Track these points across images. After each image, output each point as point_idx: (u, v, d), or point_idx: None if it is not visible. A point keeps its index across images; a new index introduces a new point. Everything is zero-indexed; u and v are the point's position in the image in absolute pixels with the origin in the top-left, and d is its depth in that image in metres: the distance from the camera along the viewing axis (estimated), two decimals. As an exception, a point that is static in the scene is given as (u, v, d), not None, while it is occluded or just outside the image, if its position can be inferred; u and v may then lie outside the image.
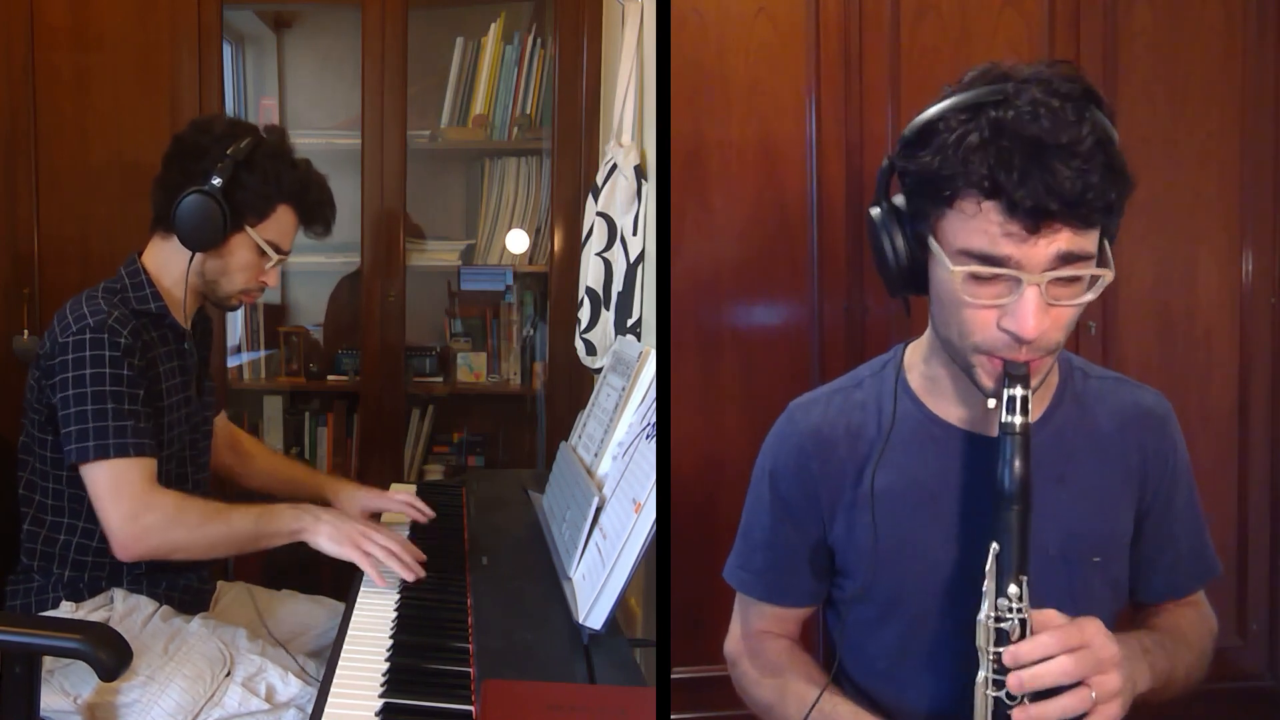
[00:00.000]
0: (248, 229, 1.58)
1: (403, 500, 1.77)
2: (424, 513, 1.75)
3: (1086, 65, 2.17)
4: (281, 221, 1.62)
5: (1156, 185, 2.21)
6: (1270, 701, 2.29)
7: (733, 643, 1.31)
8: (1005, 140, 0.91)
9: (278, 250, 1.62)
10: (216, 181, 1.52)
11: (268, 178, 1.57)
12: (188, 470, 1.66)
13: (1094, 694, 0.92)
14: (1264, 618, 2.29)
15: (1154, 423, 1.16)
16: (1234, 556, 2.27)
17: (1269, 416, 2.28)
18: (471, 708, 1.10)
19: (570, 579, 1.39)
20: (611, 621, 1.24)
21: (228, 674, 1.45)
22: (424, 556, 1.49)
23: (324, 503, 1.73)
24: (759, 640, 1.27)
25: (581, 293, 2.08)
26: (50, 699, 1.39)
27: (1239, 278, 2.26)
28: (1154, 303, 2.24)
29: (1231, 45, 2.22)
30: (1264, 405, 2.28)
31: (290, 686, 1.46)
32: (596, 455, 1.65)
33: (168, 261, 1.60)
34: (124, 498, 1.43)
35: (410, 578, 1.44)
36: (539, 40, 2.59)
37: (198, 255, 1.57)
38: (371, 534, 1.47)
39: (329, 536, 1.47)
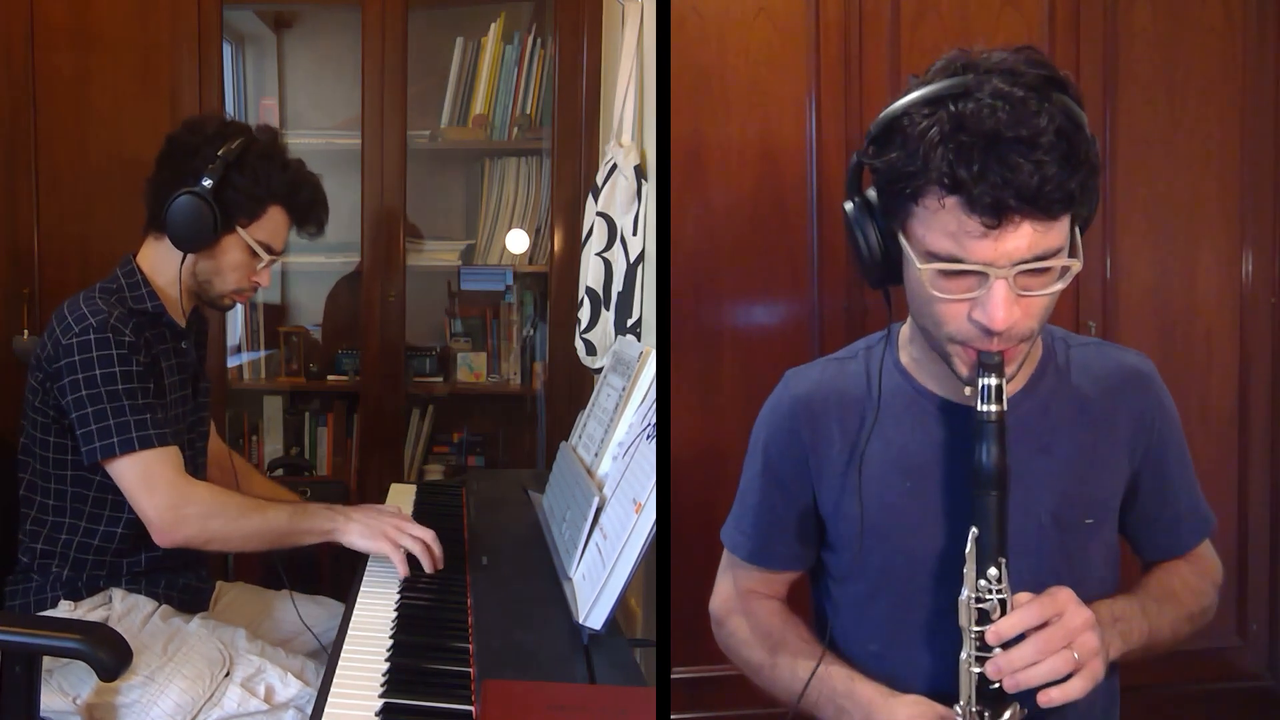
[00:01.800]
0: (239, 230, 1.58)
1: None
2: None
3: (1086, 65, 2.17)
4: (273, 222, 1.61)
5: (1156, 185, 2.21)
6: (1270, 701, 2.29)
7: (720, 600, 1.32)
8: (964, 135, 0.91)
9: (269, 251, 1.62)
10: (207, 182, 1.52)
11: (258, 178, 1.57)
12: (188, 470, 1.65)
13: (1076, 654, 0.95)
14: (1264, 618, 2.30)
15: (1140, 383, 1.17)
16: (1234, 556, 2.27)
17: (1269, 416, 2.29)
18: (471, 708, 1.10)
19: (570, 579, 1.39)
20: (611, 621, 1.24)
21: (227, 674, 1.45)
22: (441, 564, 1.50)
23: None
24: (748, 600, 1.28)
25: (581, 293, 2.07)
26: (49, 699, 1.39)
27: (1239, 278, 2.26)
28: (1154, 303, 2.24)
29: (1231, 45, 2.22)
30: (1264, 405, 2.28)
31: (289, 687, 1.46)
32: (596, 455, 1.65)
33: (162, 262, 1.60)
34: (159, 488, 1.44)
35: (431, 569, 1.47)
36: (539, 40, 2.59)
37: (190, 256, 1.57)
38: (404, 525, 1.49)
39: (360, 533, 1.48)
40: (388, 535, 1.47)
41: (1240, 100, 2.23)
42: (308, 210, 1.66)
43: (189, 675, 1.43)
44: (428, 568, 1.47)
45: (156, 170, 1.59)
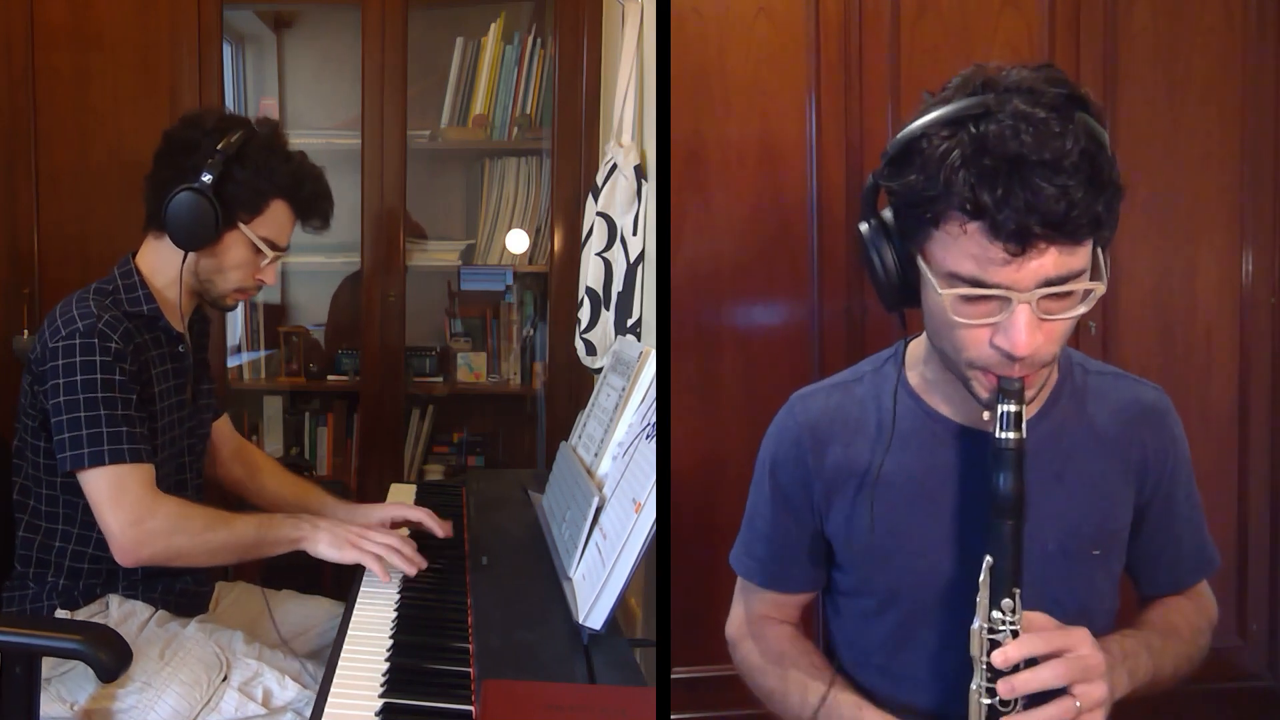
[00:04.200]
0: (241, 226, 1.54)
1: (420, 513, 1.68)
2: (441, 527, 1.66)
3: (1086, 65, 2.17)
4: (276, 217, 1.57)
5: (1156, 185, 2.21)
6: (1270, 701, 2.29)
7: (735, 625, 1.32)
8: (987, 159, 0.89)
9: (273, 247, 1.58)
10: (207, 178, 1.48)
11: (260, 172, 1.53)
12: (187, 476, 1.64)
13: (1078, 703, 0.94)
14: (1264, 618, 2.30)
15: (1154, 418, 1.16)
16: (1234, 556, 2.27)
17: (1269, 416, 2.29)
18: (471, 708, 1.10)
19: (570, 579, 1.39)
20: (611, 621, 1.24)
21: (224, 679, 1.43)
22: (423, 562, 1.48)
23: None
24: (761, 625, 1.28)
25: (581, 293, 2.08)
26: (47, 706, 1.37)
27: (1239, 278, 2.26)
28: (1154, 303, 2.24)
29: (1231, 45, 2.22)
30: (1264, 405, 2.28)
31: (287, 690, 1.44)
32: (596, 455, 1.65)
33: (161, 261, 1.56)
34: (125, 504, 1.40)
35: (412, 571, 1.45)
36: (539, 40, 2.59)
37: (191, 254, 1.53)
38: (369, 533, 1.48)
39: (328, 543, 1.46)
40: (354, 544, 1.45)
41: (1240, 100, 2.23)
42: (311, 203, 1.61)
43: (186, 680, 1.41)
44: (408, 570, 1.45)
45: (155, 168, 1.55)
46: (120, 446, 1.41)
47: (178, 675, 1.42)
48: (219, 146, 1.50)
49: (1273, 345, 2.27)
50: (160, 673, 1.43)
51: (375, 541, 1.46)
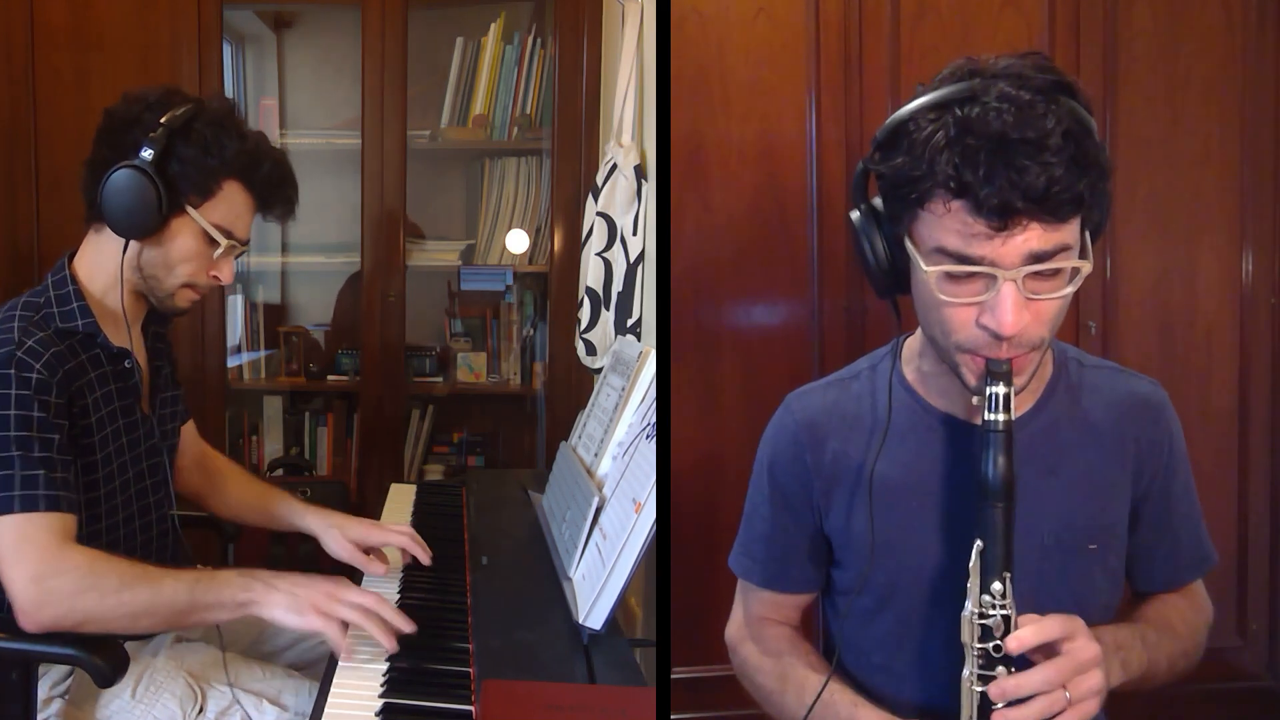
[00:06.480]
0: (189, 210, 1.35)
1: (404, 537, 1.54)
2: (425, 551, 1.53)
3: (1086, 65, 2.17)
4: (231, 201, 1.38)
5: (1156, 185, 2.21)
6: (1270, 701, 2.29)
7: (734, 628, 1.32)
8: (970, 138, 0.90)
9: (229, 236, 1.38)
10: (148, 154, 1.31)
11: (209, 148, 1.35)
12: (149, 502, 1.48)
13: (1068, 694, 0.94)
14: (1264, 618, 2.30)
15: (1150, 412, 1.16)
16: (1234, 556, 2.27)
17: (1269, 416, 2.29)
18: (471, 708, 1.10)
19: (570, 579, 1.39)
20: (611, 621, 1.24)
21: (200, 710, 1.34)
22: (409, 624, 1.26)
23: (307, 537, 1.58)
24: (760, 626, 1.28)
25: (581, 293, 2.08)
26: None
27: (1239, 278, 2.26)
28: (1154, 303, 2.24)
29: (1231, 45, 2.22)
30: (1264, 405, 2.28)
31: (265, 715, 1.36)
32: (596, 455, 1.65)
33: (101, 259, 1.38)
34: (28, 558, 1.21)
35: (390, 645, 1.22)
36: (539, 40, 2.59)
37: (133, 245, 1.35)
38: (340, 595, 1.25)
39: (286, 606, 1.24)
40: (320, 609, 1.23)
41: (1240, 100, 2.23)
42: (271, 187, 1.42)
43: (161, 718, 1.33)
44: (384, 642, 1.22)
45: (94, 149, 1.37)
46: (34, 493, 1.23)
47: (151, 713, 1.33)
48: (162, 120, 1.33)
49: (1273, 345, 2.27)
50: (132, 713, 1.33)
51: (346, 604, 1.23)
